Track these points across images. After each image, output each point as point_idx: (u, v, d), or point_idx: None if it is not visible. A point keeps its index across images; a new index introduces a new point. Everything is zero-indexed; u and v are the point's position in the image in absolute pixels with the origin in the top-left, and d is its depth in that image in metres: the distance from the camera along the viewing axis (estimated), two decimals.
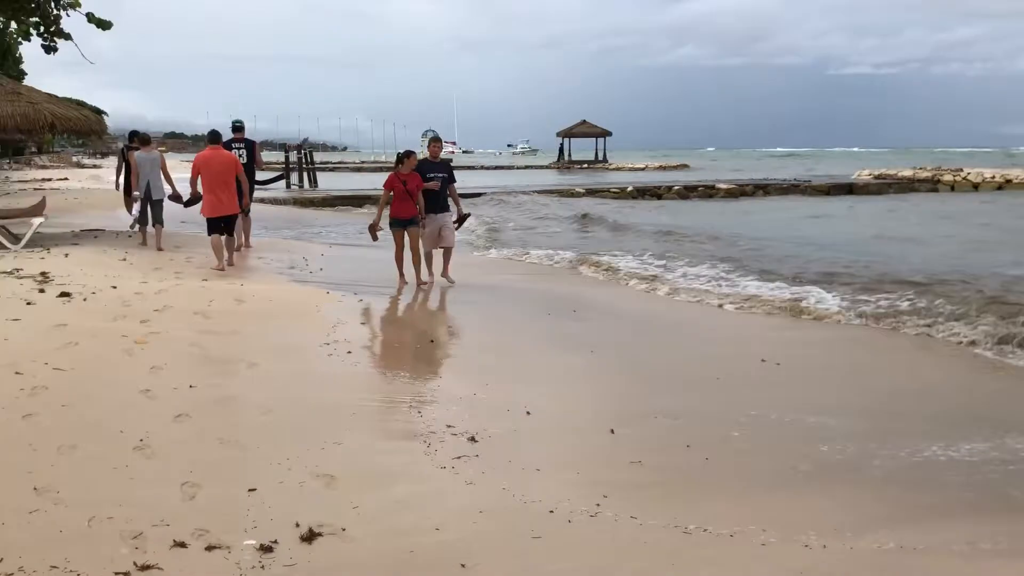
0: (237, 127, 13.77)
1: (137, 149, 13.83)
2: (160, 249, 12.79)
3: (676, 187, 34.68)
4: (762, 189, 34.79)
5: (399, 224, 10.91)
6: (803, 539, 3.87)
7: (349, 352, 7.09)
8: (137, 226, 13.81)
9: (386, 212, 11.12)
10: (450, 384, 6.48)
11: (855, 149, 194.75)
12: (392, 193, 10.90)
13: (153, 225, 13.22)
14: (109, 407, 5.25)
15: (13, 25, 17.53)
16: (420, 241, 10.99)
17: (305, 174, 38.66)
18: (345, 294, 9.87)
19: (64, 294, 8.33)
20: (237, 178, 11.53)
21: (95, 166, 55.39)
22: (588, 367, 7.23)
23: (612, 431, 5.44)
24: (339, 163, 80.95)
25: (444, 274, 11.24)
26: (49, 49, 17.87)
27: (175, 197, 13.14)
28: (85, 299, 8.27)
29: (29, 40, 18.39)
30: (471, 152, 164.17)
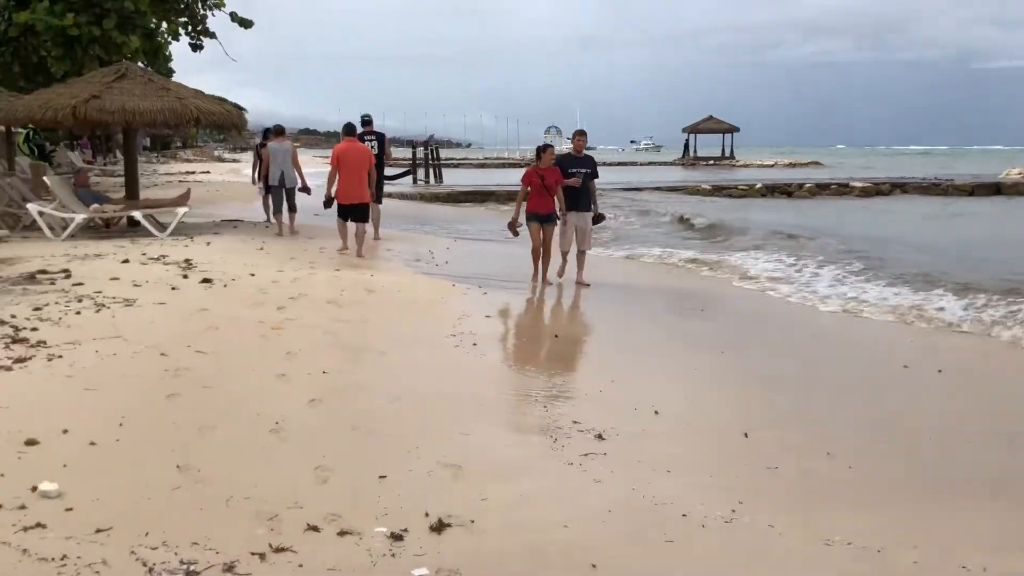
0: (366, 121, 14.29)
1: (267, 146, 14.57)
2: (294, 232, 13.67)
3: (807, 185, 33.44)
4: (899, 188, 33.14)
5: (536, 219, 10.51)
6: (959, 559, 3.59)
7: (474, 344, 7.10)
8: (274, 219, 14.50)
9: (524, 208, 10.58)
10: (576, 380, 6.40)
11: (997, 147, 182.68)
12: (530, 188, 10.54)
13: (288, 212, 13.98)
14: (247, 390, 5.42)
15: (164, 25, 18.49)
16: (562, 239, 10.63)
17: (431, 170, 39.39)
18: (470, 287, 9.91)
19: (206, 280, 8.70)
20: (369, 170, 12.11)
21: (234, 160, 58.05)
22: (718, 367, 7.00)
23: (745, 435, 5.22)
24: (463, 159, 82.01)
25: (578, 279, 10.60)
26: (196, 47, 18.85)
27: (305, 189, 13.96)
28: (225, 286, 8.60)
29: (178, 39, 19.46)
30: (594, 149, 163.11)
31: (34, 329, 6.35)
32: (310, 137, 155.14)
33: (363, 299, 8.67)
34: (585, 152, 10.98)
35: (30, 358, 5.61)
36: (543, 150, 10.73)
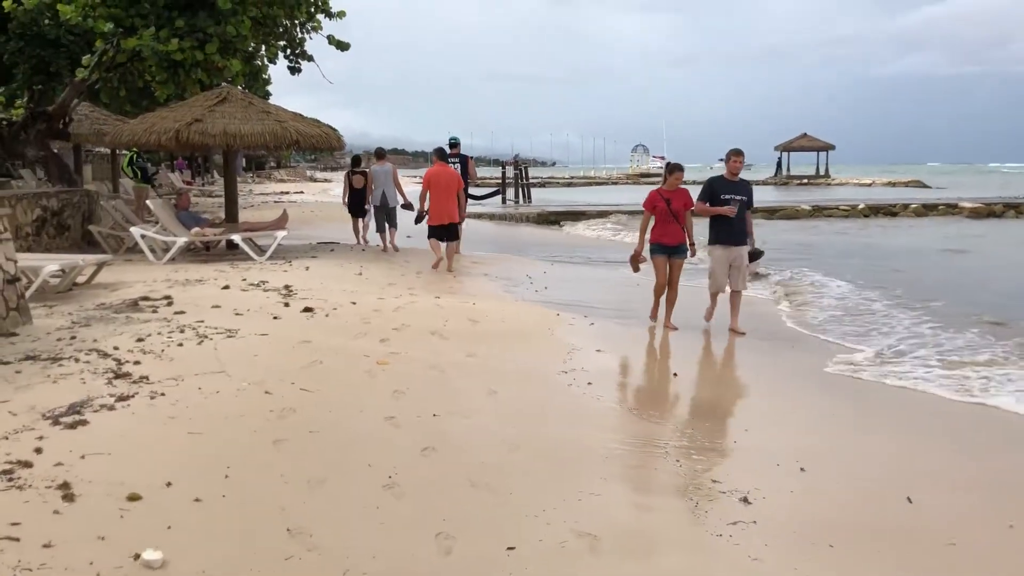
0: (453, 144, 14.98)
1: (358, 173, 15.62)
2: (396, 249, 14.61)
3: (913, 205, 31.92)
4: (1013, 208, 31.29)
5: (662, 251, 9.09)
6: None
7: (589, 383, 6.62)
8: (363, 243, 15.33)
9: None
10: (706, 428, 5.84)
11: None
12: (653, 215, 9.16)
13: (388, 229, 14.87)
14: (355, 435, 5.05)
15: (263, 49, 18.66)
16: (711, 279, 9.18)
17: (520, 190, 39.17)
18: (575, 316, 9.45)
19: (307, 309, 8.45)
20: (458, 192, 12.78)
21: (326, 180, 59.12)
22: (864, 415, 6.34)
23: (909, 499, 4.59)
24: (549, 178, 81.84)
25: (732, 326, 9.06)
26: (294, 70, 18.94)
27: (407, 206, 14.40)
28: (327, 315, 8.34)
29: (276, 63, 19.61)
30: None
31: (137, 363, 6.14)
32: (398, 156, 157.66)
33: (467, 330, 8.29)
34: (740, 177, 9.19)
35: (133, 395, 5.37)
36: (670, 171, 9.39)
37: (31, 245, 12.39)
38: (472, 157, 15.46)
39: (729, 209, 8.84)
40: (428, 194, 12.62)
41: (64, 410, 5.02)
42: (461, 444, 5.05)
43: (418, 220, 12.95)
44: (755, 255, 9.36)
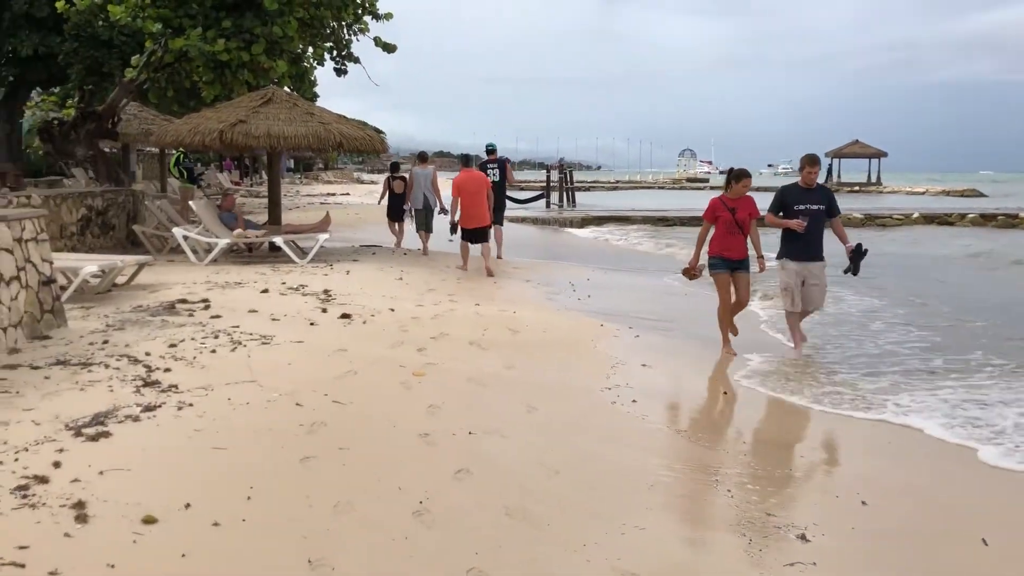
0: (490, 150, 15.38)
1: (398, 178, 15.79)
2: (425, 253, 14.66)
3: (970, 215, 30.93)
4: None
5: (723, 266, 8.22)
6: None
7: (634, 401, 6.31)
8: (400, 247, 15.42)
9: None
10: (757, 455, 5.50)
11: None
12: (713, 224, 8.33)
13: (424, 233, 15.04)
14: (387, 454, 4.80)
15: (310, 50, 18.63)
16: (785, 298, 8.33)
17: (564, 194, 38.84)
18: (620, 327, 9.13)
19: (345, 315, 8.26)
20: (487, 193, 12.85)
21: (372, 182, 59.35)
22: (923, 439, 5.93)
23: (984, 541, 4.20)
24: (594, 182, 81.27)
25: (796, 346, 8.39)
26: (340, 72, 18.89)
27: (443, 211, 14.41)
28: (364, 322, 8.13)
29: (323, 64, 19.57)
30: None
31: (167, 370, 5.98)
32: (443, 159, 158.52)
33: (507, 340, 8.02)
34: (818, 183, 8.33)
35: (160, 405, 5.19)
36: (735, 177, 8.30)
37: (75, 244, 12.42)
38: (510, 161, 15.49)
39: (797, 223, 7.98)
40: (459, 201, 12.77)
41: (88, 420, 4.85)
42: (497, 467, 4.78)
43: (453, 230, 13.11)
44: (859, 254, 8.15)
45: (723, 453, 5.44)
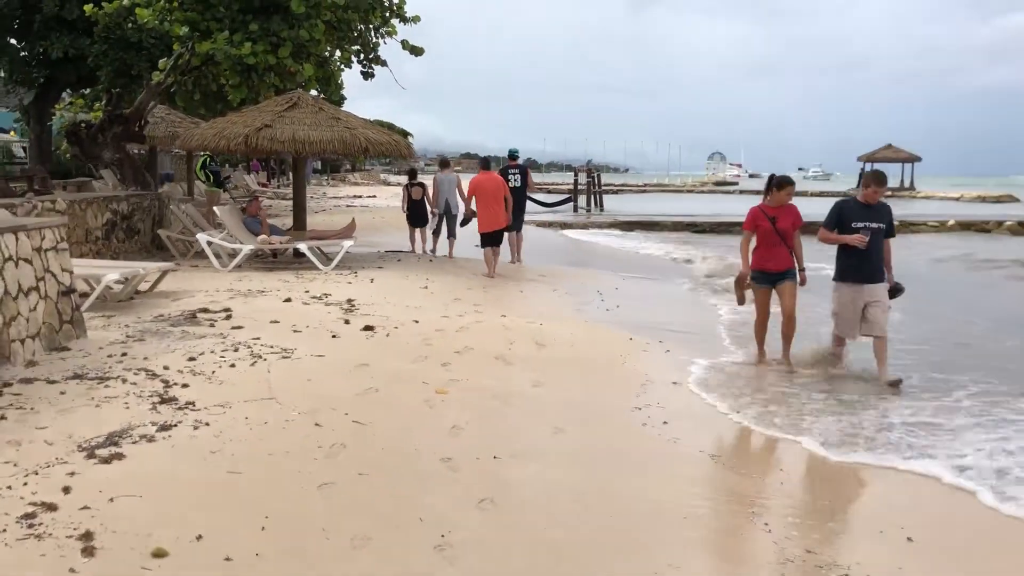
0: (513, 156, 15.70)
1: (416, 185, 16.00)
2: (451, 258, 14.80)
3: (1008, 223, 30.29)
4: None
5: (765, 279, 7.90)
6: None
7: (665, 423, 6.08)
8: (432, 251, 15.63)
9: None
10: (792, 484, 5.25)
11: None
12: (755, 235, 7.94)
13: (448, 237, 15.30)
14: (408, 481, 4.61)
15: (337, 53, 18.54)
16: (838, 322, 7.74)
17: (592, 197, 38.58)
18: (649, 341, 8.89)
19: (368, 327, 8.09)
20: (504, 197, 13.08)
21: (399, 184, 59.39)
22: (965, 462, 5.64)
23: None
24: (622, 185, 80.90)
25: (881, 378, 7.44)
26: (367, 75, 18.80)
27: (466, 218, 14.38)
28: (388, 334, 7.96)
29: (350, 67, 19.49)
30: (759, 176, 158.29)
31: (185, 385, 5.83)
32: (470, 161, 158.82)
33: (533, 355, 7.82)
34: (881, 200, 7.60)
35: (176, 424, 5.04)
36: (776, 185, 7.87)
37: (100, 248, 12.37)
38: (528, 168, 15.97)
39: (858, 238, 7.34)
40: (475, 199, 13.20)
41: (102, 440, 4.71)
42: (522, 496, 4.57)
43: (465, 222, 13.64)
44: (895, 291, 7.66)
45: (759, 481, 5.19)
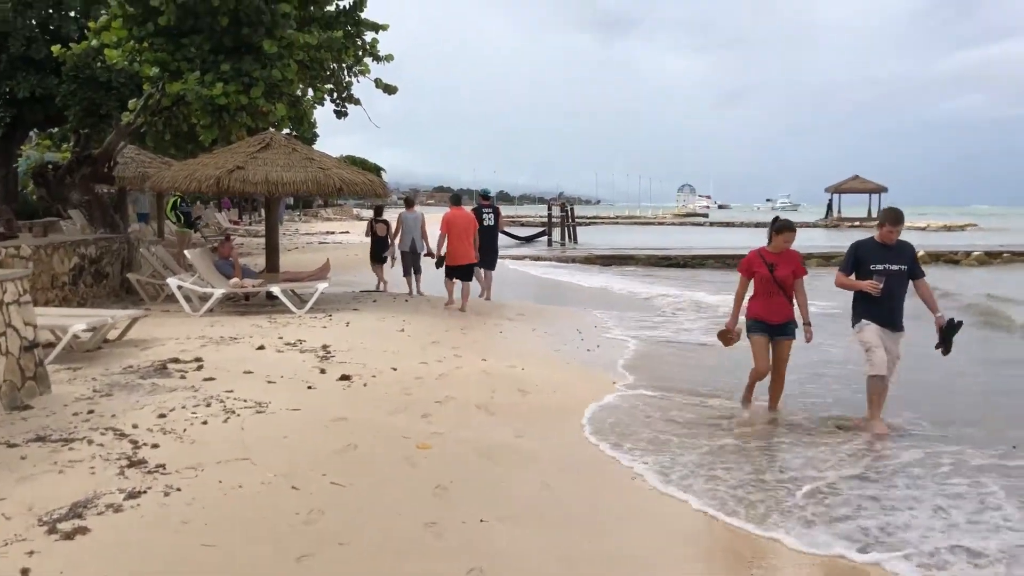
0: (485, 195, 16.08)
1: (380, 221, 16.44)
2: (421, 294, 15.22)
3: (975, 253, 30.67)
4: None
5: (761, 329, 7.33)
6: None
7: (654, 472, 5.90)
8: (410, 293, 15.49)
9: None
10: (788, 538, 5.07)
11: None
12: (752, 281, 7.43)
13: (414, 274, 15.47)
14: (391, 549, 4.38)
15: (310, 92, 18.41)
16: (869, 355, 7.05)
17: (566, 230, 38.65)
18: (632, 383, 8.77)
19: (344, 377, 7.85)
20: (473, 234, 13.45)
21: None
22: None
23: None
24: (595, 217, 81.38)
25: (872, 419, 7.13)
26: (340, 114, 18.67)
27: (429, 254, 14.79)
28: (365, 384, 7.73)
29: (323, 105, 19.34)
30: (727, 207, 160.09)
31: (155, 446, 5.57)
32: (444, 194, 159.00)
33: (516, 403, 7.62)
34: (899, 240, 7.06)
35: (145, 491, 4.78)
36: (778, 229, 7.34)
37: (67, 295, 12.05)
38: (500, 209, 16.41)
39: (871, 284, 6.86)
40: (447, 237, 13.34)
41: (65, 512, 4.44)
42: (511, 564, 4.34)
43: (439, 265, 13.64)
44: (952, 329, 7.00)
45: (751, 537, 5.01)
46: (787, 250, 7.35)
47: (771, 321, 7.30)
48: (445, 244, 13.35)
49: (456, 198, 14.77)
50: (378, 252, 16.42)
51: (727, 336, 7.75)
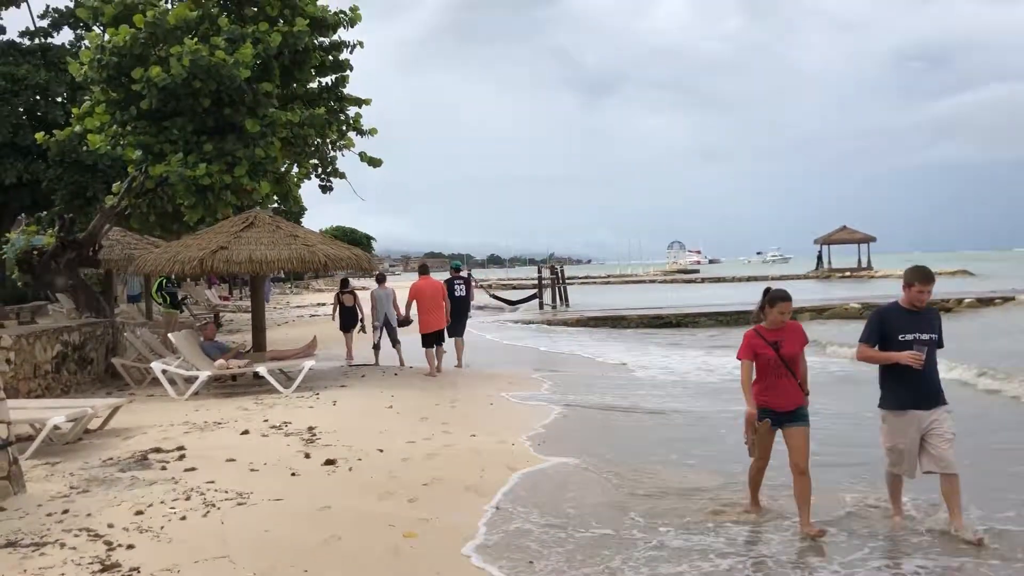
0: (456, 268, 16.94)
1: (348, 292, 17.16)
2: (402, 365, 15.14)
3: (967, 300, 30.70)
4: None
5: (770, 416, 6.14)
6: None
7: (646, 565, 5.71)
8: (397, 364, 15.38)
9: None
10: None
11: None
12: (754, 364, 6.19)
13: (393, 346, 15.63)
14: None
15: (295, 168, 18.50)
16: (891, 457, 6.13)
17: (557, 292, 38.61)
18: (620, 466, 8.58)
19: (329, 461, 7.66)
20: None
21: (364, 287, 59.20)
22: None
23: None
24: (586, 277, 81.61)
25: (957, 530, 5.82)
26: (325, 189, 18.76)
27: (403, 322, 15.34)
28: (351, 468, 7.54)
29: (309, 179, 19.42)
30: (718, 261, 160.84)
31: (131, 547, 5.37)
32: (434, 260, 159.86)
33: (503, 480, 7.43)
34: (925, 305, 6.03)
35: None
36: (771, 302, 6.16)
37: (50, 383, 11.86)
38: (472, 279, 17.87)
39: (912, 356, 5.83)
40: (416, 304, 14.23)
41: None
42: None
43: (403, 324, 14.81)
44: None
45: None
46: (787, 323, 6.23)
47: (779, 408, 6.14)
48: (414, 307, 14.25)
49: (424, 268, 15.57)
50: (346, 322, 16.94)
51: (751, 425, 6.20)
